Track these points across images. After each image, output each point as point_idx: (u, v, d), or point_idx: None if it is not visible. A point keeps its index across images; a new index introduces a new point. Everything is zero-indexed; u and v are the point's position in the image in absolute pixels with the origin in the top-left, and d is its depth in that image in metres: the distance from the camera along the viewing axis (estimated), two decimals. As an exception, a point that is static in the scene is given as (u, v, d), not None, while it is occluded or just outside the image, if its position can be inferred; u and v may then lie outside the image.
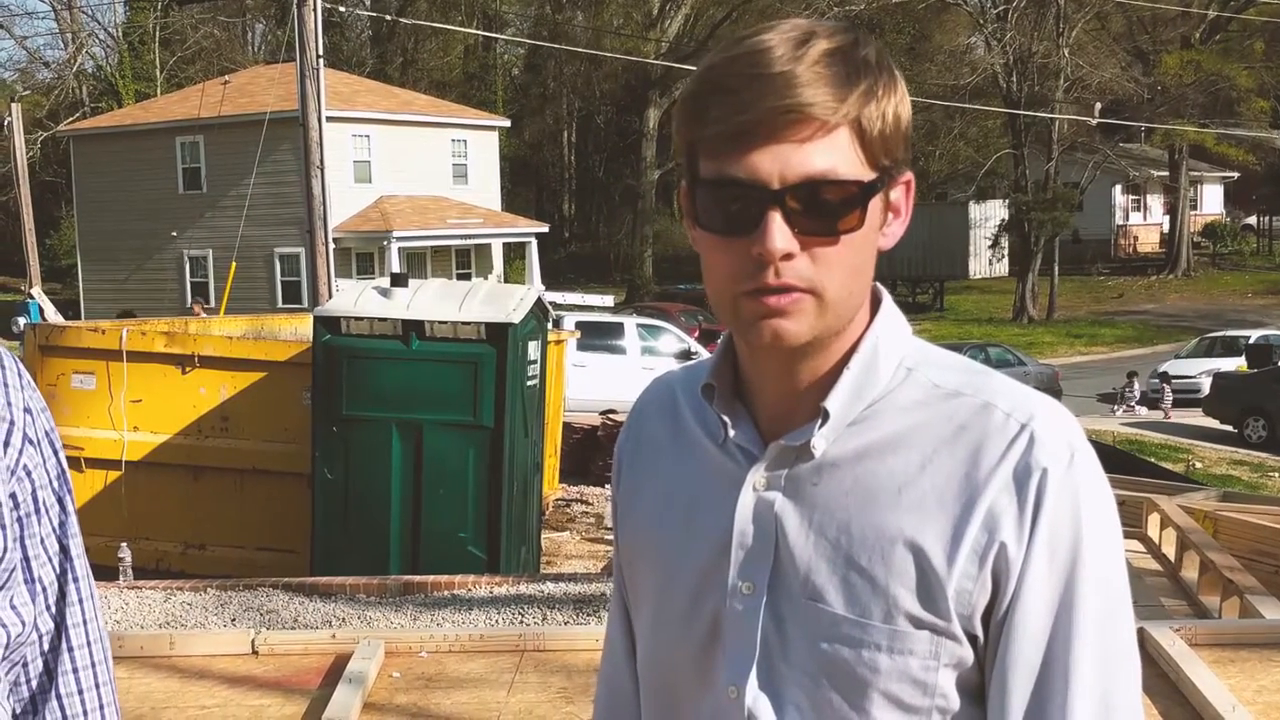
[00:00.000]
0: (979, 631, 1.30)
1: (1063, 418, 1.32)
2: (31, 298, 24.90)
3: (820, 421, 1.33)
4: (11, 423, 1.46)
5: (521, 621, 7.79)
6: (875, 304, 1.39)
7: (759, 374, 1.38)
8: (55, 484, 1.53)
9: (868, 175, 1.28)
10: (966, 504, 1.29)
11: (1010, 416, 1.31)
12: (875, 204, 1.30)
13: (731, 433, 1.39)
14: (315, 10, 17.91)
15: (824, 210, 1.26)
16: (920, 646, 1.29)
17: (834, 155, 1.26)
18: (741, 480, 1.37)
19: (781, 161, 1.25)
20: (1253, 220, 61.10)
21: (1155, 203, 59.15)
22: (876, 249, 1.34)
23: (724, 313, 1.31)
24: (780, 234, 1.25)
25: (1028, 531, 1.28)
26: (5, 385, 1.47)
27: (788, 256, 1.26)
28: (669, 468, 1.47)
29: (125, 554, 9.74)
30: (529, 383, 9.83)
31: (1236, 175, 58.95)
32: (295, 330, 13.55)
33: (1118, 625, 1.30)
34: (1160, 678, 5.24)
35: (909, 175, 1.36)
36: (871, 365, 1.35)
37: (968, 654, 1.31)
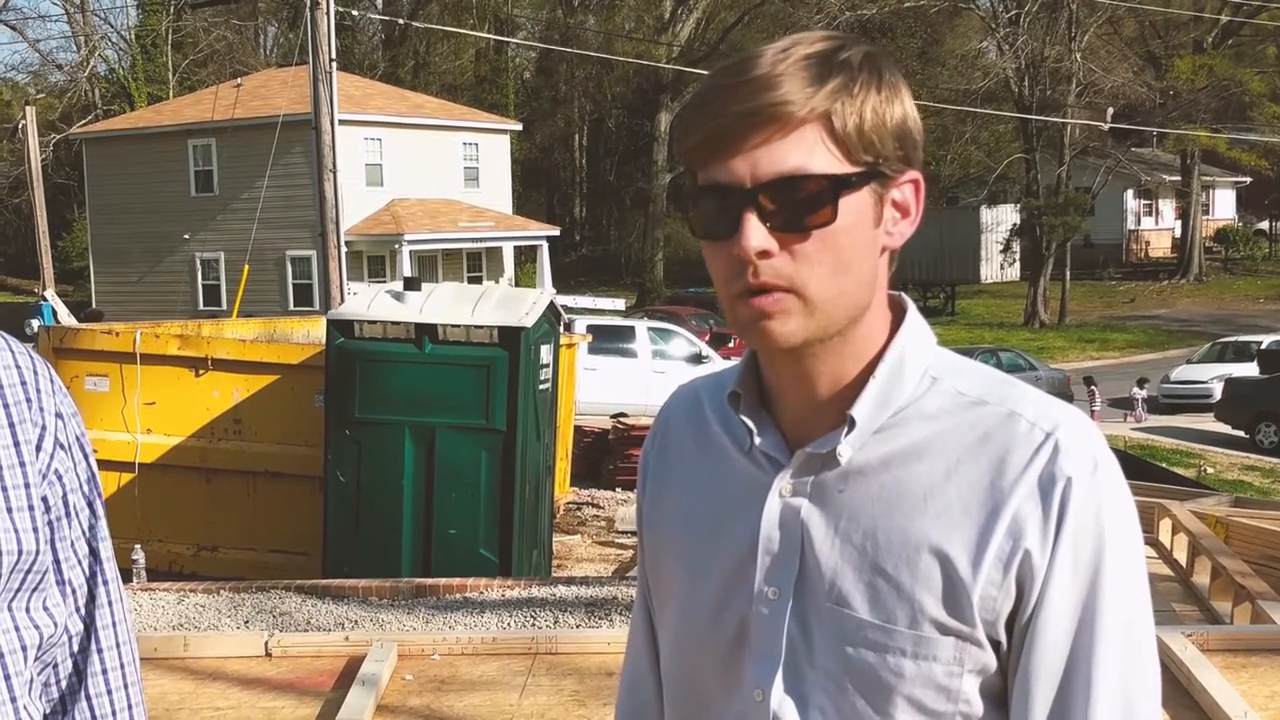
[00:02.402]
0: (1002, 637, 1.32)
1: (1086, 427, 1.34)
2: (45, 300, 24.93)
3: (846, 429, 1.35)
4: (43, 427, 1.48)
5: (533, 624, 7.80)
6: (901, 313, 1.41)
7: (781, 382, 1.40)
8: (85, 488, 1.55)
9: (843, 170, 1.30)
10: (992, 511, 1.30)
11: (1035, 425, 1.33)
12: (856, 200, 1.31)
13: (757, 440, 1.41)
14: (328, 14, 17.95)
15: (794, 206, 1.29)
16: (944, 652, 1.31)
17: (803, 152, 1.29)
18: (767, 487, 1.39)
19: (752, 162, 1.28)
20: (1265, 225, 60.98)
21: (1167, 207, 59.05)
22: (879, 248, 1.35)
23: (727, 317, 1.35)
24: (755, 233, 1.28)
25: (1052, 539, 1.29)
26: (38, 390, 1.49)
27: (765, 255, 1.29)
28: (695, 474, 1.49)
29: (139, 556, 9.77)
30: (541, 386, 9.85)
31: (1249, 180, 58.83)
32: (307, 333, 13.58)
33: (1139, 632, 1.32)
34: (1172, 683, 5.25)
35: (914, 175, 1.36)
36: (898, 373, 1.37)
37: (991, 660, 1.32)
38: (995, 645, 1.32)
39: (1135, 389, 28.73)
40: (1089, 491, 1.30)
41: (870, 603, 1.32)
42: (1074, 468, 1.30)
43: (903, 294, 1.41)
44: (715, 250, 1.33)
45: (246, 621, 8.07)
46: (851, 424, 1.35)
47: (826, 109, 1.29)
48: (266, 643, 6.17)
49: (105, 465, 10.44)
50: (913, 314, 1.41)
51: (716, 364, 22.88)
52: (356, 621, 7.98)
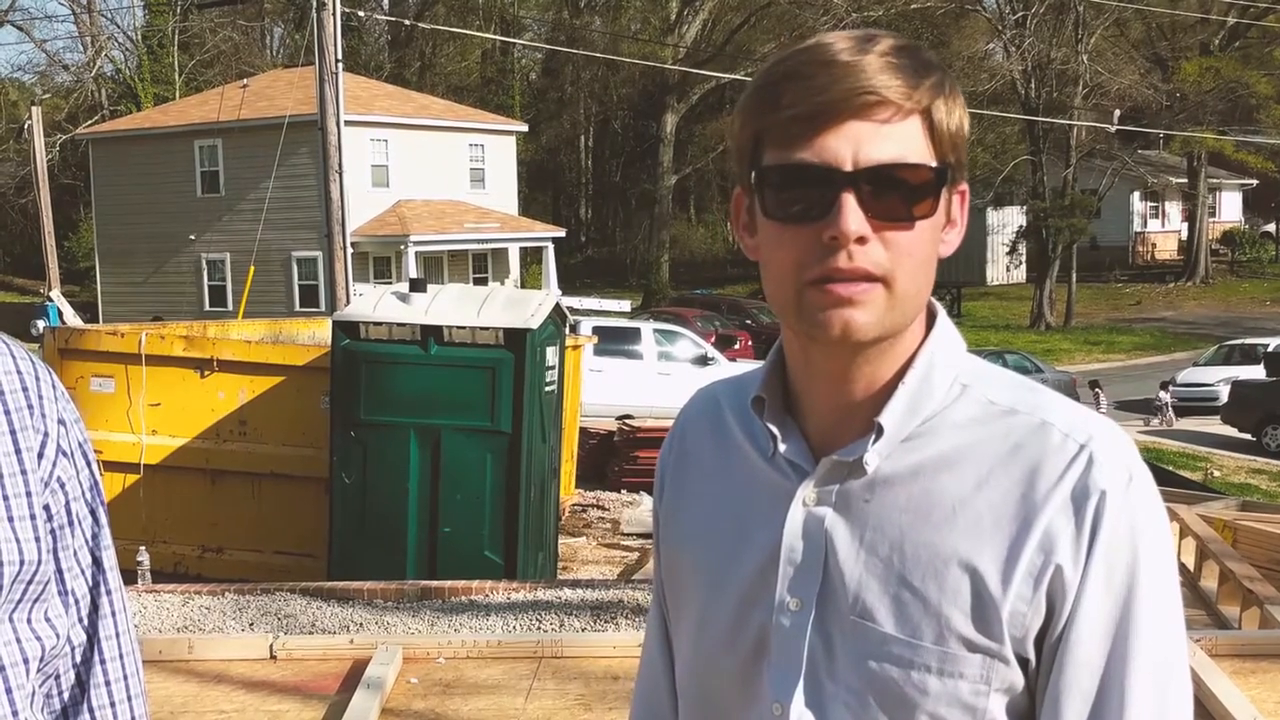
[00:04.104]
0: (1031, 655, 1.28)
1: (1120, 439, 1.31)
2: (50, 300, 24.95)
3: (874, 437, 1.32)
4: (46, 434, 1.46)
5: (539, 628, 7.77)
6: (931, 319, 1.37)
7: (811, 386, 1.36)
8: (88, 496, 1.53)
9: (938, 165, 1.28)
10: (1023, 525, 1.27)
11: (1068, 437, 1.29)
12: (943, 198, 1.30)
13: (782, 447, 1.37)
14: (334, 15, 17.95)
15: (899, 194, 1.26)
16: (971, 670, 1.27)
17: (907, 141, 1.26)
18: (791, 495, 1.35)
19: (855, 144, 1.24)
20: (1271, 228, 60.91)
21: (1174, 210, 59.00)
22: (937, 251, 1.33)
23: (787, 308, 1.29)
24: (854, 216, 1.24)
25: (1084, 554, 1.26)
26: (40, 397, 1.47)
27: (861, 240, 1.24)
28: (714, 481, 1.46)
29: (144, 557, 9.76)
30: (547, 388, 9.84)
31: (1255, 183, 58.75)
32: (313, 335, 13.58)
33: (1173, 650, 1.29)
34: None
35: (964, 186, 1.35)
36: (927, 380, 1.33)
37: (1019, 678, 1.29)
38: (1023, 663, 1.29)
39: (1161, 392, 28.70)
40: (1123, 505, 1.27)
41: (896, 617, 1.29)
42: (1108, 481, 1.27)
43: (932, 299, 1.37)
44: (789, 234, 1.28)
45: (251, 624, 8.06)
46: (880, 432, 1.32)
47: (929, 104, 1.27)
48: (271, 645, 6.16)
49: (110, 466, 10.44)
50: (943, 320, 1.38)
51: (722, 366, 22.89)
52: (361, 624, 7.96)
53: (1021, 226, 49.28)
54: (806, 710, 1.32)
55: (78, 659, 1.52)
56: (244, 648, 6.22)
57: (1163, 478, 14.94)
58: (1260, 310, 47.05)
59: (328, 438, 9.75)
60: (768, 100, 1.28)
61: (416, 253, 36.23)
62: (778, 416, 1.38)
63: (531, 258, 43.46)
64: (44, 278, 28.43)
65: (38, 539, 1.42)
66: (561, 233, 42.04)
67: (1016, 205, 50.44)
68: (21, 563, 1.39)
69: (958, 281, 47.96)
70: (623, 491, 14.82)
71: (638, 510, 13.46)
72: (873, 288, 1.26)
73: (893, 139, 1.25)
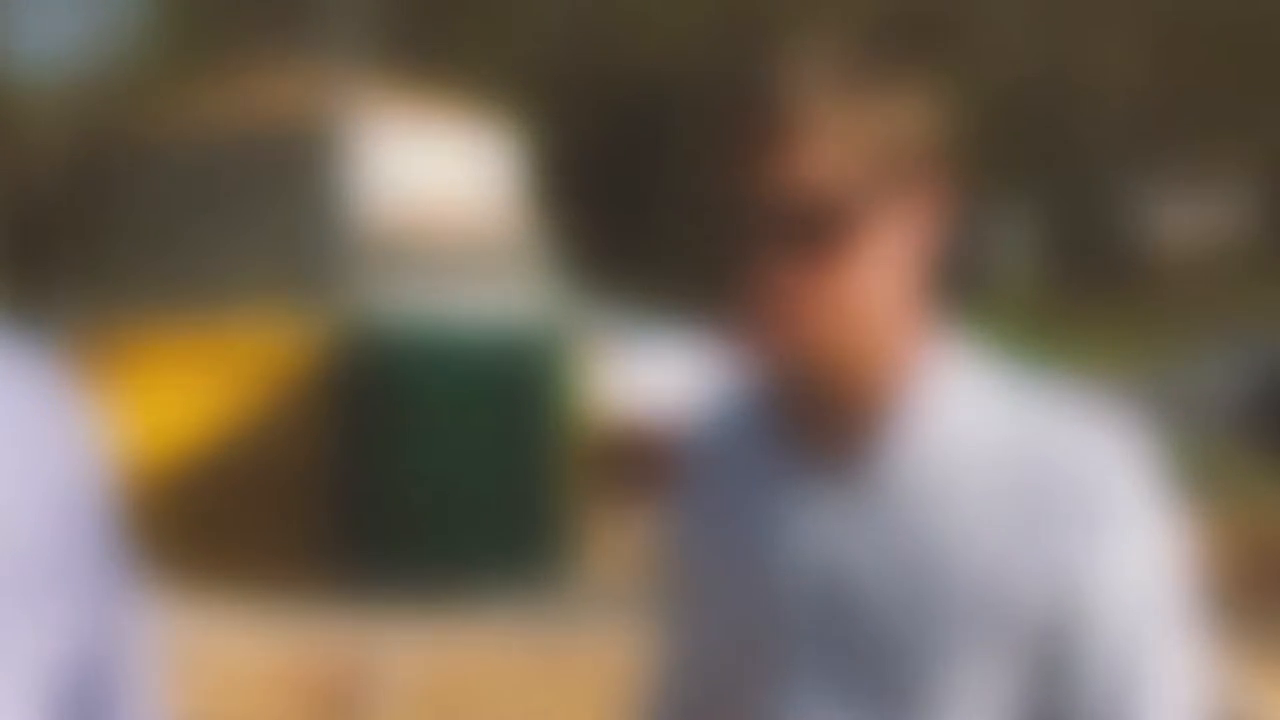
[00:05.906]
0: (1052, 656, 1.28)
1: (1134, 444, 1.31)
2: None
3: (885, 447, 1.31)
4: (59, 437, 1.45)
5: (551, 630, 7.79)
6: (937, 324, 1.36)
7: (813, 401, 1.35)
8: (103, 500, 1.52)
9: (870, 181, 1.24)
10: (1038, 531, 1.27)
11: (1081, 439, 1.29)
12: (890, 212, 1.26)
13: (791, 461, 1.37)
14: (341, 17, 17.98)
15: (818, 223, 1.23)
16: (991, 672, 1.28)
17: (827, 162, 1.23)
18: (803, 505, 1.35)
19: (768, 178, 1.23)
20: (1280, 230, 60.96)
21: (1184, 211, 59.04)
22: (909, 259, 1.30)
23: (753, 337, 1.30)
24: (777, 254, 1.23)
25: (1101, 559, 1.27)
26: (53, 398, 1.47)
27: (788, 278, 1.23)
28: (725, 488, 1.45)
29: (150, 560, 9.76)
30: (556, 391, 9.85)
31: (1266, 184, 58.78)
32: (320, 335, 13.57)
33: (1189, 648, 1.31)
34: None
35: (944, 176, 1.31)
36: (938, 390, 1.32)
37: (1040, 680, 1.29)
38: (1044, 664, 1.29)
39: (1187, 395, 28.69)
40: (1138, 509, 1.28)
41: (912, 625, 1.29)
42: (1123, 484, 1.28)
43: (939, 301, 1.36)
44: (736, 267, 1.27)
45: (257, 626, 8.06)
46: (891, 444, 1.31)
47: (855, 118, 1.24)
48: (277, 649, 6.16)
49: (118, 467, 10.43)
50: (950, 325, 1.37)
51: (731, 372, 22.90)
52: (369, 626, 7.96)
53: (1029, 228, 49.32)
54: None
55: (93, 666, 1.51)
56: (250, 650, 6.23)
57: (1170, 480, 14.95)
58: (1269, 313, 47.09)
59: (336, 439, 9.74)
60: (701, 140, 1.30)
61: (424, 253, 36.30)
62: (785, 430, 1.38)
63: (541, 259, 43.57)
64: (52, 279, 28.60)
65: (50, 545, 1.41)
66: (571, 234, 42.11)
67: (1024, 205, 50.51)
68: (34, 569, 1.38)
69: (962, 282, 48.00)
70: (634, 496, 14.83)
71: (650, 514, 13.47)
72: (812, 319, 1.25)
73: (809, 163, 1.22)
